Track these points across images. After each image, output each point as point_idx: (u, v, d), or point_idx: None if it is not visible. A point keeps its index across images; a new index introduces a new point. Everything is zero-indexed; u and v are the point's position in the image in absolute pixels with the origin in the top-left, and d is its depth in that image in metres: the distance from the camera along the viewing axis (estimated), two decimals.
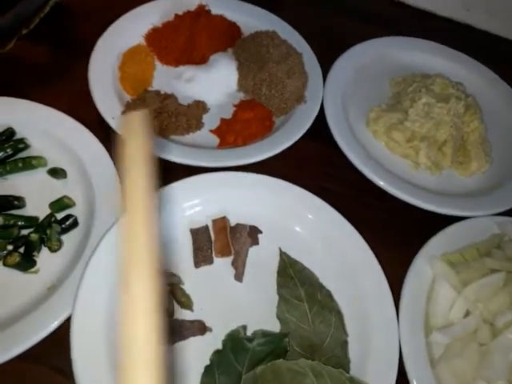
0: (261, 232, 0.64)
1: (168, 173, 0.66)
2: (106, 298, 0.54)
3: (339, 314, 0.58)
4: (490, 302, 0.57)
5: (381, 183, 0.70)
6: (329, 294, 0.59)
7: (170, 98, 0.73)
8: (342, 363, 0.55)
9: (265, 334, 0.54)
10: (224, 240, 0.62)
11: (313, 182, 0.70)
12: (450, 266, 0.61)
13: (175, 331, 0.54)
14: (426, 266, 0.62)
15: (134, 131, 0.43)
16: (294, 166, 0.73)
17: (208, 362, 0.53)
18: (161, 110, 0.71)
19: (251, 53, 0.80)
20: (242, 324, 0.55)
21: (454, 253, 0.63)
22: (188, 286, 0.59)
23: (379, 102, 0.81)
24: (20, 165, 0.64)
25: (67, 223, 0.60)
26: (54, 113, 0.68)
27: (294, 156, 0.73)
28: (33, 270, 0.58)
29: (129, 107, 0.71)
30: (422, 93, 0.76)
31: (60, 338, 0.53)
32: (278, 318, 0.57)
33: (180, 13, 0.84)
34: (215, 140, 0.73)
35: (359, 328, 0.58)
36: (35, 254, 0.59)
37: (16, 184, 0.64)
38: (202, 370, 0.52)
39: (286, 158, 0.72)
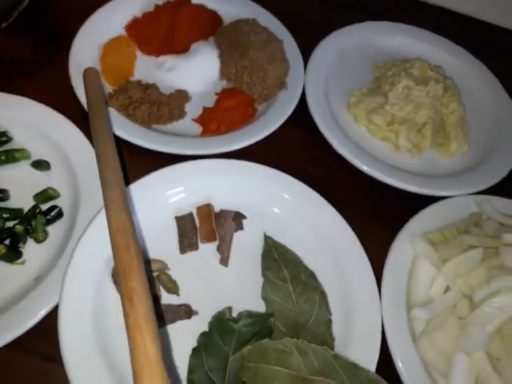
0: (245, 217, 0.65)
1: (151, 162, 0.67)
2: (92, 285, 0.55)
3: (323, 294, 0.59)
4: (468, 277, 0.59)
5: (363, 167, 0.71)
6: (312, 275, 0.61)
7: (151, 87, 0.73)
8: (327, 341, 0.56)
9: (250, 314, 0.55)
10: (209, 226, 0.62)
11: (296, 166, 0.71)
12: (431, 245, 0.62)
13: (162, 315, 0.55)
14: (407, 244, 0.64)
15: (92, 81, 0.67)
16: (277, 151, 0.74)
17: (195, 345, 0.54)
18: (143, 99, 0.71)
19: (232, 41, 0.81)
20: (228, 306, 0.56)
21: (435, 232, 0.64)
22: (174, 272, 0.59)
23: (361, 86, 0.82)
24: (3, 158, 0.64)
25: (52, 214, 0.61)
26: (36, 105, 0.68)
27: (277, 142, 0.74)
28: (19, 261, 0.59)
29: (111, 97, 0.71)
30: (401, 76, 0.77)
31: (49, 326, 0.54)
32: (263, 298, 0.58)
33: (160, 3, 0.85)
34: (198, 128, 0.74)
35: (342, 307, 0.59)
36: (21, 245, 0.59)
37: None
38: (188, 352, 0.53)
39: (269, 144, 0.73)
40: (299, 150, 0.76)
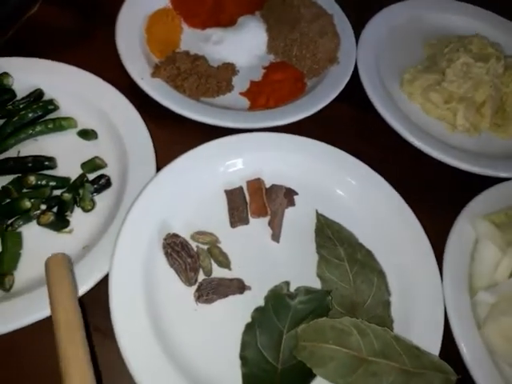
0: (297, 193, 0.62)
1: (198, 135, 0.65)
2: (143, 256, 0.53)
3: (381, 274, 0.56)
4: None
5: (422, 146, 0.67)
6: (369, 254, 0.58)
7: (200, 59, 0.71)
8: (385, 323, 0.53)
9: (308, 290, 0.52)
10: (260, 201, 0.60)
11: (347, 145, 0.67)
12: (494, 226, 0.59)
13: (214, 289, 0.53)
14: (469, 226, 0.60)
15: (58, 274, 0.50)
16: (328, 128, 0.71)
17: (247, 321, 0.51)
18: (191, 71, 0.69)
19: (281, 14, 0.78)
20: (283, 282, 0.54)
21: (498, 212, 0.60)
22: (225, 246, 0.57)
23: (412, 63, 0.78)
24: (50, 126, 0.62)
25: (100, 183, 0.59)
26: (83, 74, 0.67)
27: (327, 118, 0.71)
28: (66, 230, 0.57)
29: (158, 68, 0.69)
30: (459, 52, 0.73)
31: (95, 296, 0.53)
32: (319, 276, 0.55)
33: None
34: (245, 102, 0.71)
35: (401, 289, 0.56)
36: (68, 213, 0.58)
37: (46, 145, 0.63)
38: (241, 329, 0.51)
39: (318, 121, 0.70)
40: (350, 128, 0.73)
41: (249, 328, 0.51)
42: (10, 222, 0.56)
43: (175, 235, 0.55)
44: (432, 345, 0.52)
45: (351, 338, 0.50)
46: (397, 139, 0.69)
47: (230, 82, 0.72)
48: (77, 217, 0.58)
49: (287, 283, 0.53)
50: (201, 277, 0.55)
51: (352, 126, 0.73)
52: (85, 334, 0.48)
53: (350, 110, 0.74)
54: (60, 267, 0.51)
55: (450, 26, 0.85)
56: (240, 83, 0.73)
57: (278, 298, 0.51)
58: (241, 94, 0.72)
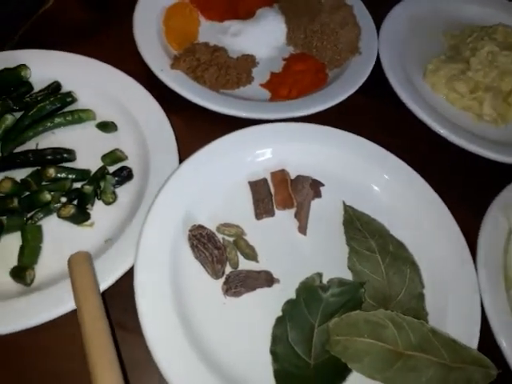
0: (323, 184, 0.60)
1: (219, 126, 0.63)
2: (168, 248, 0.51)
3: (414, 266, 0.54)
4: None
5: (450, 135, 0.65)
6: (401, 246, 0.56)
7: (219, 50, 0.70)
8: (420, 316, 0.51)
9: (341, 282, 0.50)
10: (285, 192, 0.58)
11: (370, 135, 0.66)
12: None
13: (242, 282, 0.51)
14: (502, 216, 0.58)
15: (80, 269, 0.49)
16: (349, 118, 0.69)
17: (276, 315, 0.50)
18: (210, 62, 0.68)
19: (300, 5, 0.77)
20: (315, 273, 0.52)
21: None
22: (250, 238, 0.55)
23: (434, 54, 0.77)
24: (69, 118, 0.61)
25: (122, 175, 0.57)
26: (101, 65, 0.65)
27: (348, 108, 0.69)
28: (87, 223, 0.55)
29: (178, 59, 0.67)
30: (484, 41, 0.72)
31: (117, 291, 0.51)
32: (350, 269, 0.53)
33: None
34: (266, 94, 0.70)
35: (434, 281, 0.54)
36: (89, 206, 0.56)
37: (65, 138, 0.61)
38: (270, 323, 0.49)
39: (339, 111, 0.68)
40: (372, 118, 0.71)
41: (279, 322, 0.49)
42: (29, 215, 0.54)
43: (201, 227, 0.53)
44: (469, 339, 0.50)
45: (387, 331, 0.48)
46: (422, 129, 0.68)
47: (250, 74, 0.71)
48: (98, 210, 0.56)
49: (319, 275, 0.52)
50: (227, 269, 0.53)
51: (374, 116, 0.71)
52: (110, 329, 0.46)
53: (372, 100, 0.72)
54: (83, 265, 0.49)
55: (470, 16, 0.84)
56: (260, 75, 0.71)
57: (309, 290, 0.50)
58: (261, 85, 0.70)
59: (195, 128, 0.65)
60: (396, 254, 0.55)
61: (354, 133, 0.63)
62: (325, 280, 0.52)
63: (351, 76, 0.70)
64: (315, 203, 0.59)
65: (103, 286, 0.50)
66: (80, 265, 0.49)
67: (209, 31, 0.76)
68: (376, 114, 0.72)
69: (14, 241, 0.53)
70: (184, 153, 0.59)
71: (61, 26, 0.75)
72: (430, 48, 0.78)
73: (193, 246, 0.52)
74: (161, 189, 0.54)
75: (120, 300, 0.51)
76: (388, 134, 0.69)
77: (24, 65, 0.63)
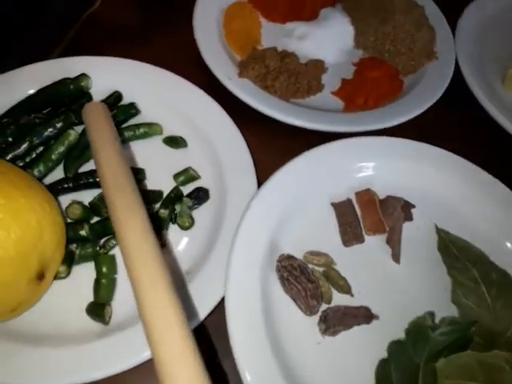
0: (414, 206, 0.55)
1: (291, 140, 0.59)
2: (257, 280, 0.47)
3: None
4: None
5: None
6: (505, 274, 0.51)
7: (289, 56, 0.64)
8: None
9: (453, 321, 0.46)
10: (375, 215, 0.53)
11: (455, 149, 0.60)
12: None
13: (340, 320, 0.46)
14: None
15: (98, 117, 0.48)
16: (426, 130, 0.64)
17: (375, 353, 0.45)
18: (280, 69, 0.63)
19: (367, 6, 0.71)
20: (426, 313, 0.47)
21: None
22: (340, 268, 0.51)
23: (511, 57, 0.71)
24: (137, 132, 0.56)
25: (198, 196, 0.53)
26: (165, 74, 0.60)
27: (428, 119, 0.64)
28: (163, 251, 0.51)
29: (244, 66, 0.62)
30: None
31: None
32: (454, 303, 0.49)
33: None
34: (338, 103, 0.65)
35: None
36: (164, 232, 0.51)
37: (132, 154, 0.56)
38: (369, 363, 0.45)
39: (418, 122, 0.63)
40: (452, 130, 0.66)
41: (383, 363, 0.45)
42: (101, 243, 0.50)
43: (291, 257, 0.48)
44: None
45: (503, 375, 0.43)
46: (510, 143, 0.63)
47: (320, 81, 0.65)
48: (172, 235, 0.52)
49: (431, 314, 0.47)
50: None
51: (455, 127, 0.66)
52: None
53: (451, 110, 0.67)
54: (101, 115, 0.48)
55: None
56: (329, 82, 0.66)
57: (420, 329, 0.45)
58: (332, 93, 0.65)
59: (266, 141, 0.60)
60: (502, 284, 0.50)
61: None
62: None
63: (430, 83, 0.65)
64: (405, 227, 0.55)
65: (193, 324, 0.45)
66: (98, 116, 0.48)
67: (271, 34, 0.70)
68: (455, 126, 0.66)
69: (84, 273, 0.48)
70: (259, 169, 0.54)
71: (108, 29, 0.70)
72: (508, 50, 0.73)
73: (282, 279, 0.48)
74: (244, 214, 0.49)
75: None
76: (475, 148, 0.62)
77: (84, 74, 0.58)
